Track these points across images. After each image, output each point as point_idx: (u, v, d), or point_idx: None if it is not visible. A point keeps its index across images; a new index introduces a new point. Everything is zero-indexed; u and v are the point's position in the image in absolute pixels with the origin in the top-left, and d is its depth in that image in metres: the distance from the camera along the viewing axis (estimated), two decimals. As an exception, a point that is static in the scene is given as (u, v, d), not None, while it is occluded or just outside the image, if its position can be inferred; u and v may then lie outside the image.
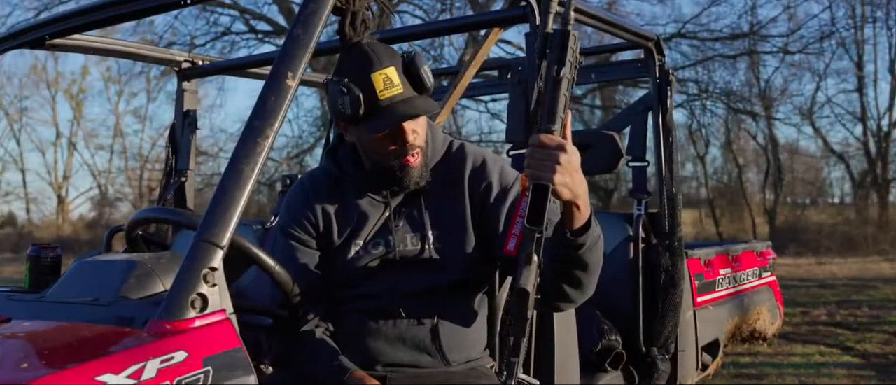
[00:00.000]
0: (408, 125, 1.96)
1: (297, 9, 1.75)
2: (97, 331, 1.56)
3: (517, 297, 1.69)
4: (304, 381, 2.02)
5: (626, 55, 4.22)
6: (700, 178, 21.15)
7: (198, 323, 1.51)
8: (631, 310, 3.31)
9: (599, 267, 1.91)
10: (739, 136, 20.95)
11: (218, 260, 1.54)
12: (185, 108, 3.68)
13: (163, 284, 1.73)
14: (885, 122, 19.95)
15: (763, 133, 20.49)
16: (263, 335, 2.12)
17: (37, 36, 2.50)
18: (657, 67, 3.38)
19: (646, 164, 3.48)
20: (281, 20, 17.55)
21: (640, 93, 4.23)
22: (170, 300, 1.51)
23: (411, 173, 2.02)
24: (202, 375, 1.47)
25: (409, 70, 1.94)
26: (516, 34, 17.61)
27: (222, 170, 1.63)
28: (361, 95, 1.90)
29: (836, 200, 22.78)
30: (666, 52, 3.39)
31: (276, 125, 1.64)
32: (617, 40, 3.44)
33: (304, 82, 4.29)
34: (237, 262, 1.79)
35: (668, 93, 3.37)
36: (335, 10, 1.90)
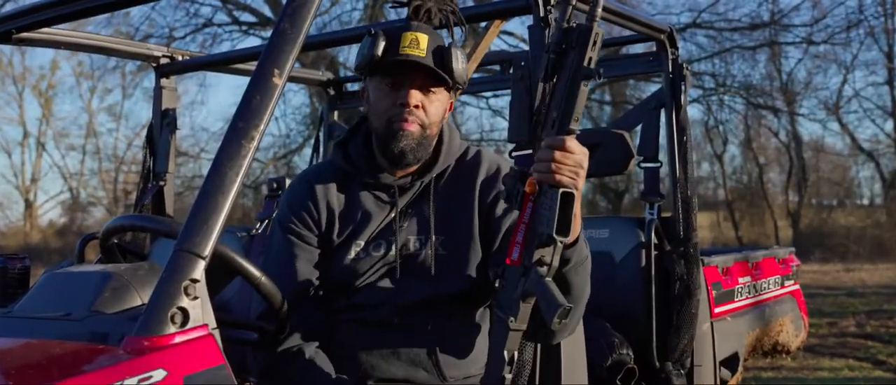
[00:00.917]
0: (414, 90, 2.04)
1: None
2: (69, 348, 1.56)
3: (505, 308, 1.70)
4: None
5: (637, 48, 4.23)
6: (717, 179, 21.16)
7: (178, 339, 1.52)
8: (643, 322, 3.31)
9: (584, 296, 1.94)
10: (760, 134, 20.95)
11: (199, 271, 1.55)
12: (163, 107, 3.68)
13: (140, 298, 1.73)
14: (917, 118, 19.97)
15: (785, 130, 20.50)
16: (249, 351, 2.12)
17: (2, 29, 2.50)
18: (670, 61, 3.39)
19: (658, 164, 3.48)
20: (267, 11, 17.58)
21: (653, 88, 4.23)
22: (148, 315, 1.52)
23: (402, 139, 2.06)
24: (183, 395, 1.48)
25: (440, 49, 2.05)
26: (519, 25, 17.65)
27: (204, 172, 1.64)
28: (386, 43, 2.03)
29: (865, 202, 22.76)
30: (680, 43, 3.40)
31: (262, 126, 1.65)
32: (627, 32, 3.44)
33: (291, 79, 4.30)
34: (220, 272, 1.79)
35: (683, 88, 3.37)
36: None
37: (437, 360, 2.07)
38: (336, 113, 4.44)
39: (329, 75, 4.44)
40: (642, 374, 3.23)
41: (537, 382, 2.30)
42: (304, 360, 2.04)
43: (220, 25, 17.90)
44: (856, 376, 6.82)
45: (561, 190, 1.71)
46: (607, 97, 18.46)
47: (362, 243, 2.10)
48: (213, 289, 1.64)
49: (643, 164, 3.50)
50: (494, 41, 3.26)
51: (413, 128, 2.06)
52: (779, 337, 4.14)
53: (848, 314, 10.20)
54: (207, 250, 1.56)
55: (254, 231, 3.42)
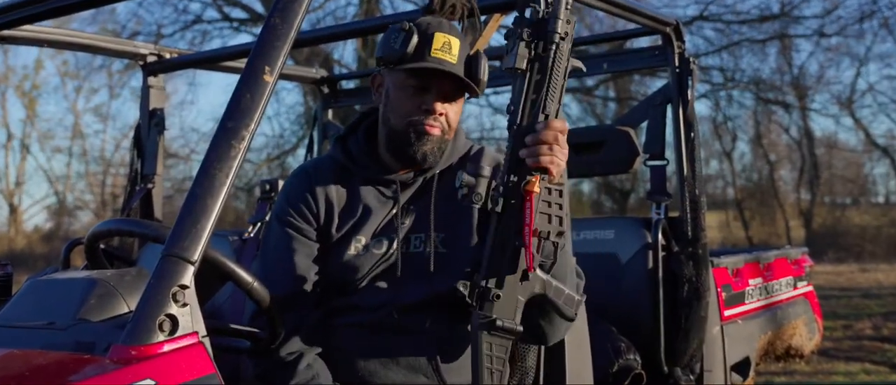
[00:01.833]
0: (439, 98, 2.09)
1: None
2: (53, 358, 1.56)
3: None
4: None
5: (643, 42, 4.22)
6: (726, 177, 21.18)
7: (167, 347, 1.51)
8: (650, 325, 3.31)
9: (575, 284, 2.00)
10: (770, 130, 20.97)
11: (189, 277, 1.55)
12: (151, 107, 3.69)
13: (127, 305, 1.73)
14: (933, 112, 19.99)
15: (797, 125, 20.51)
16: (243, 358, 2.12)
17: (-17, 28, 2.50)
18: (677, 55, 3.39)
19: (665, 162, 3.48)
20: (258, 7, 17.54)
21: (659, 83, 4.23)
22: (135, 322, 1.51)
23: (426, 143, 2.09)
24: (172, 405, 1.47)
25: (471, 58, 2.10)
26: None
27: (194, 174, 1.63)
28: (417, 40, 2.04)
29: (881, 200, 22.77)
30: (686, 37, 3.40)
31: (253, 125, 1.65)
32: (631, 25, 3.44)
33: (284, 77, 4.30)
34: (210, 278, 1.79)
35: (690, 83, 3.38)
36: None
37: (437, 366, 2.07)
38: (330, 112, 4.44)
39: (323, 73, 4.44)
40: (650, 379, 3.23)
41: (541, 389, 2.30)
42: (301, 367, 2.04)
43: (209, 22, 17.85)
44: (872, 381, 6.81)
45: (563, 185, 1.77)
46: (612, 93, 18.49)
47: (363, 239, 2.11)
48: (203, 295, 1.64)
49: (649, 163, 3.50)
50: (494, 36, 3.26)
51: (436, 132, 2.10)
52: (792, 340, 4.14)
53: (863, 316, 10.20)
54: (196, 255, 1.55)
55: (246, 235, 3.41)
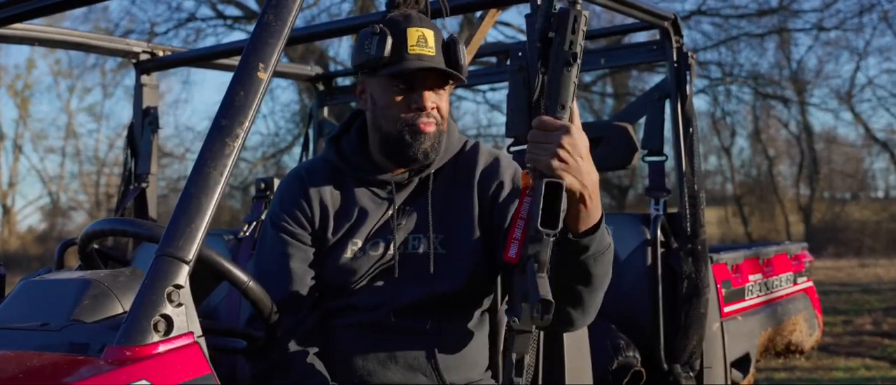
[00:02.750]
0: (429, 92, 2.04)
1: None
2: (47, 359, 1.55)
3: (515, 308, 1.69)
4: None
5: (640, 36, 4.22)
6: (725, 173, 21.22)
7: (162, 348, 1.51)
8: (650, 322, 3.31)
9: (605, 284, 1.93)
10: (769, 125, 21.00)
11: (183, 276, 1.54)
12: (144, 105, 3.68)
13: (122, 305, 1.73)
14: (933, 106, 20.02)
15: (796, 120, 20.55)
16: (239, 359, 2.12)
17: (-26, 27, 2.49)
18: (675, 49, 3.39)
19: (664, 158, 3.48)
20: (252, 4, 17.54)
21: (657, 78, 4.24)
22: (129, 323, 1.51)
23: (423, 141, 2.06)
24: (167, 407, 1.47)
25: (447, 45, 2.06)
26: (516, 15, 17.65)
27: (189, 173, 1.62)
28: (392, 41, 2.01)
29: (880, 195, 22.83)
30: (685, 31, 3.40)
31: (247, 123, 1.64)
32: (629, 20, 3.44)
33: (279, 74, 4.29)
34: (205, 278, 1.79)
35: (688, 78, 3.38)
36: None
37: (437, 365, 2.07)
38: (326, 109, 4.44)
39: (318, 70, 4.44)
40: (650, 376, 3.23)
41: (540, 387, 2.30)
42: (299, 368, 2.04)
43: (203, 20, 17.86)
44: (873, 376, 6.83)
45: (545, 180, 1.69)
46: (609, 89, 18.50)
47: (359, 242, 2.10)
48: (199, 295, 1.64)
49: (647, 158, 3.50)
50: (490, 32, 3.26)
51: (432, 129, 2.07)
52: (792, 336, 4.14)
53: (864, 311, 10.23)
54: (191, 254, 1.55)
55: (241, 234, 3.41)
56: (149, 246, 3.32)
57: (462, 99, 17.52)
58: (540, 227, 1.67)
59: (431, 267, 2.08)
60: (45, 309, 1.72)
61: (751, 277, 3.87)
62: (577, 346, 2.42)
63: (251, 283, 1.87)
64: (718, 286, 3.52)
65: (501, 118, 18.12)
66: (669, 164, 3.49)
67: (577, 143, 1.70)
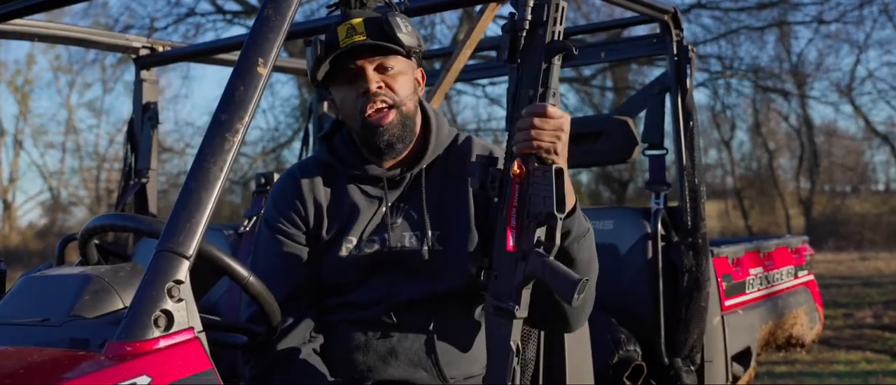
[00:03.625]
0: (371, 73, 2.03)
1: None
2: (48, 355, 1.55)
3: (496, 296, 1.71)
4: None
5: (640, 30, 4.22)
6: (725, 166, 21.20)
7: (162, 343, 1.51)
8: (650, 316, 3.31)
9: (593, 270, 1.95)
10: (769, 118, 20.98)
11: (183, 272, 1.54)
12: (144, 100, 3.68)
13: (122, 300, 1.73)
14: (933, 99, 20.00)
15: (796, 114, 20.52)
16: (239, 355, 2.12)
17: (-27, 22, 2.49)
18: (675, 43, 3.39)
19: (664, 151, 3.48)
20: (251, -2, 17.52)
21: (657, 72, 4.23)
22: (130, 318, 1.51)
23: (385, 131, 2.05)
24: (168, 402, 1.47)
25: (375, 21, 2.03)
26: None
27: (189, 168, 1.62)
28: (325, 43, 2.03)
29: (881, 188, 22.81)
30: (685, 25, 3.39)
31: (247, 118, 1.64)
32: (628, 13, 3.44)
33: (278, 69, 4.29)
34: (206, 273, 1.79)
35: (688, 71, 3.38)
36: None
37: (437, 360, 2.07)
38: (326, 104, 4.43)
39: (318, 64, 4.42)
40: (650, 370, 3.24)
41: (541, 382, 2.30)
42: (300, 363, 2.04)
43: (202, 15, 17.85)
44: (873, 369, 6.83)
45: (554, 166, 1.73)
46: (609, 83, 18.49)
47: (354, 240, 2.10)
48: (199, 290, 1.64)
49: (648, 152, 3.50)
50: (489, 26, 3.26)
51: (389, 117, 2.05)
52: (793, 330, 4.14)
53: (864, 305, 10.23)
54: (191, 250, 1.55)
55: (241, 229, 3.41)
56: (149, 241, 3.32)
57: (462, 93, 17.52)
58: (555, 212, 1.71)
59: (428, 264, 2.07)
60: (46, 304, 1.73)
61: (751, 271, 3.87)
62: (577, 340, 2.43)
63: (251, 279, 1.87)
64: (719, 280, 3.52)
65: (501, 112, 18.11)
66: (670, 157, 3.50)
67: (567, 130, 1.78)
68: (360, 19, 2.02)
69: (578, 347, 2.43)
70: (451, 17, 16.32)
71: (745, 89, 19.95)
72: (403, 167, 2.13)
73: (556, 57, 1.79)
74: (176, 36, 17.01)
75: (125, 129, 3.79)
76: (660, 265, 3.32)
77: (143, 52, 3.66)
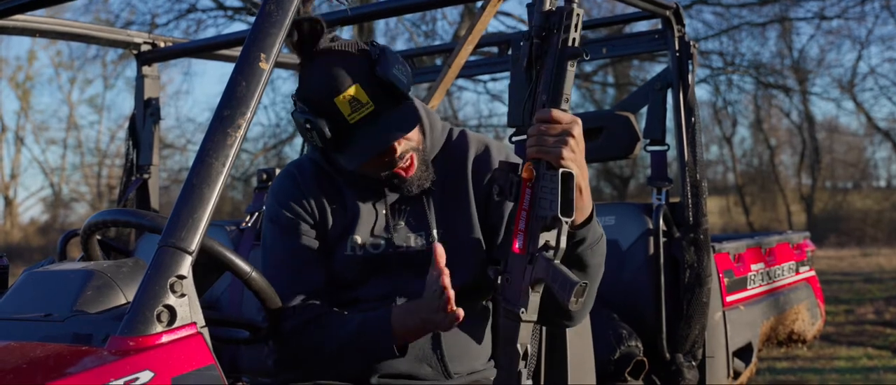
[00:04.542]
0: (395, 147, 1.98)
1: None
2: (51, 350, 1.56)
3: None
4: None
5: (642, 26, 4.21)
6: (727, 163, 21.22)
7: (165, 338, 1.51)
8: (652, 312, 3.32)
9: (600, 275, 1.96)
10: (771, 114, 20.99)
11: (186, 267, 1.54)
12: (145, 96, 3.68)
13: (125, 296, 1.73)
14: (935, 95, 19.99)
15: (797, 110, 20.53)
16: (239, 350, 2.12)
17: (-25, 18, 2.49)
18: (676, 39, 3.38)
19: (666, 147, 3.48)
20: (253, -6, 17.50)
21: (658, 68, 4.23)
22: (132, 314, 1.51)
23: (410, 183, 2.04)
24: (171, 397, 1.47)
25: (378, 77, 1.93)
26: (517, 5, 17.63)
27: (190, 164, 1.63)
28: (327, 124, 1.92)
29: (882, 184, 22.83)
30: (686, 21, 3.39)
31: (249, 114, 1.64)
32: (630, 9, 3.43)
33: (279, 64, 4.29)
34: (208, 268, 1.79)
35: (690, 67, 3.38)
36: None
37: (442, 355, 2.07)
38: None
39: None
40: (652, 366, 3.24)
41: (542, 377, 2.30)
42: (331, 318, 2.01)
43: (204, 11, 17.82)
44: (875, 365, 6.83)
45: (560, 170, 1.73)
46: (610, 79, 18.46)
47: (359, 240, 2.08)
48: (202, 285, 1.64)
49: (649, 148, 3.50)
50: (491, 22, 3.26)
51: (413, 167, 2.03)
52: (794, 326, 4.14)
53: (866, 301, 10.23)
54: (194, 245, 1.55)
55: (243, 224, 3.41)
56: (150, 237, 3.33)
57: (463, 89, 17.52)
58: (559, 215, 1.72)
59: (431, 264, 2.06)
60: (49, 300, 1.73)
61: (753, 267, 3.87)
62: (579, 336, 2.43)
63: (254, 274, 1.87)
64: (721, 275, 3.52)
65: (502, 108, 18.12)
66: (671, 153, 3.49)
67: (581, 138, 1.76)
68: (357, 86, 1.91)
69: (580, 342, 2.43)
70: (453, 12, 16.33)
71: (746, 85, 19.97)
72: None
73: (570, 63, 1.78)
74: (177, 32, 17.00)
75: (126, 125, 3.79)
76: (661, 261, 3.32)
77: (145, 48, 3.66)
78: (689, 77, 3.37)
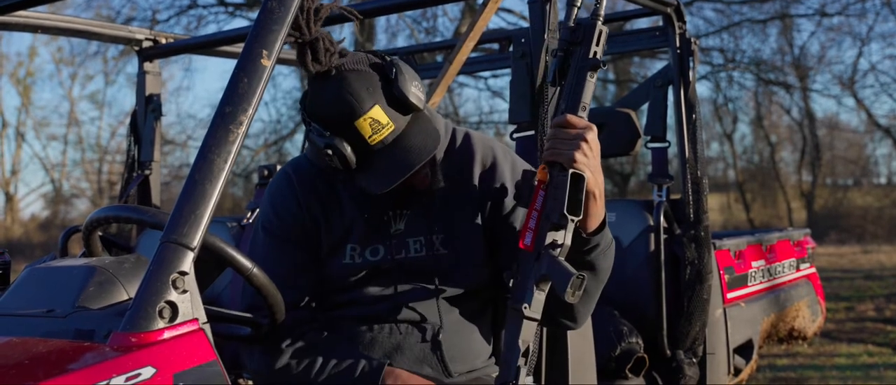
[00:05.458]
0: None
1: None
2: (53, 346, 1.56)
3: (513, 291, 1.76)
4: None
5: (643, 22, 4.21)
6: (727, 159, 21.21)
7: (167, 334, 1.51)
8: (653, 309, 3.32)
9: (606, 279, 2.01)
10: (771, 111, 20.98)
11: (188, 263, 1.55)
12: (147, 93, 3.68)
13: (126, 292, 1.73)
14: (936, 92, 19.97)
15: (798, 107, 20.50)
16: (241, 346, 2.12)
17: (-23, 14, 2.49)
18: (677, 35, 3.38)
19: (666, 144, 3.48)
20: (254, -9, 17.48)
21: (659, 65, 4.24)
22: (134, 310, 1.51)
23: (425, 194, 2.05)
24: (173, 393, 1.48)
25: (395, 95, 1.90)
26: (518, 2, 17.62)
27: (192, 161, 1.63)
28: (349, 147, 1.89)
29: (882, 181, 22.82)
30: (687, 17, 3.39)
31: (251, 110, 1.64)
32: (631, 6, 3.43)
33: (281, 61, 4.29)
34: (210, 264, 1.79)
35: (691, 64, 3.38)
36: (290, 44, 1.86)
37: (442, 356, 2.05)
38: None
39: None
40: (653, 362, 3.24)
41: (544, 373, 2.30)
42: (328, 346, 2.01)
43: (205, 7, 17.80)
44: (875, 362, 6.84)
45: (571, 171, 1.78)
46: (611, 76, 18.45)
47: (358, 247, 2.05)
48: (203, 281, 1.64)
49: (650, 145, 3.50)
50: (492, 18, 3.26)
51: (427, 178, 2.02)
52: (795, 322, 4.15)
53: (866, 298, 10.23)
54: (196, 241, 1.55)
55: (245, 221, 3.42)
56: (152, 233, 3.33)
57: (464, 86, 17.51)
58: (566, 213, 1.78)
59: (434, 267, 2.05)
60: (51, 296, 1.73)
61: (753, 264, 3.87)
62: (580, 333, 2.43)
63: (255, 270, 1.86)
64: (721, 272, 3.53)
65: (503, 105, 18.10)
66: (672, 150, 3.50)
67: (596, 144, 1.82)
68: (377, 107, 1.87)
69: (581, 339, 2.43)
70: (454, 9, 16.31)
71: (747, 82, 19.96)
72: None
73: (591, 74, 1.86)
74: (178, 28, 16.99)
75: (127, 121, 3.79)
76: (662, 258, 3.33)
77: (146, 44, 3.66)
78: (690, 74, 3.37)
